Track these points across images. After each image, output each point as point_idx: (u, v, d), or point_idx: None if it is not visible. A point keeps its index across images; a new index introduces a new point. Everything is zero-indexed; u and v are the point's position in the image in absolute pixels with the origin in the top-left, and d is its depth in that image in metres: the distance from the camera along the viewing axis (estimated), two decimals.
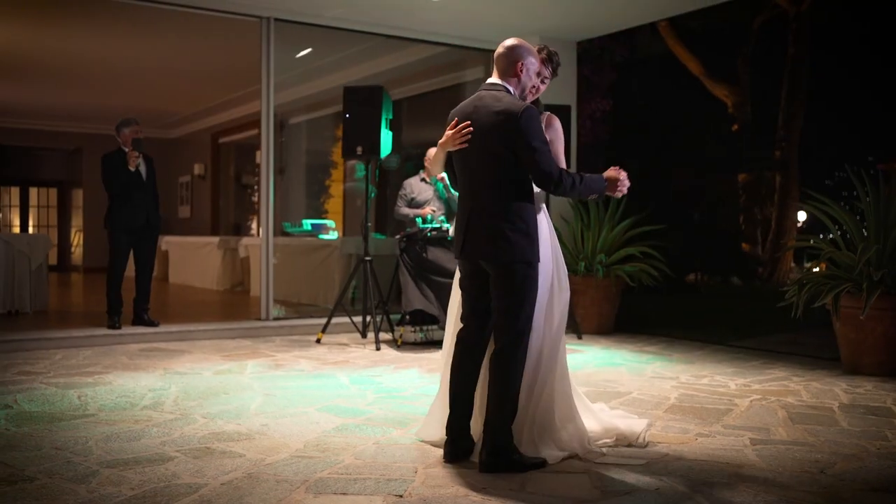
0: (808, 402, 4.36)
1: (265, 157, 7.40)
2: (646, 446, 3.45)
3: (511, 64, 3.26)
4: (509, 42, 3.29)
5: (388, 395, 4.55)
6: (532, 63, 3.30)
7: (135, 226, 6.73)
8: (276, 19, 7.23)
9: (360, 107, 6.45)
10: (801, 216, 16.11)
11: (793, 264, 13.24)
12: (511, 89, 3.25)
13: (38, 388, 4.62)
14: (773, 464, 3.20)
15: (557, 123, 3.49)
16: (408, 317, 6.43)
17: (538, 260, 3.17)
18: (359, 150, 6.45)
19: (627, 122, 9.26)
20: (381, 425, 3.83)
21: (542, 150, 3.09)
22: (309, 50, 9.23)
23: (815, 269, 5.68)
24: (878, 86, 9.70)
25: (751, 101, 11.36)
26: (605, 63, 8.58)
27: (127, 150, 6.77)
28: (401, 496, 2.81)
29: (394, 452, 3.35)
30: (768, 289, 11.37)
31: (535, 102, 3.53)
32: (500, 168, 3.15)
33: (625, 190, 3.28)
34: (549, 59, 3.49)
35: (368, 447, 3.43)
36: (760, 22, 11.32)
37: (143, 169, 6.84)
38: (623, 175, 3.26)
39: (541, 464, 3.14)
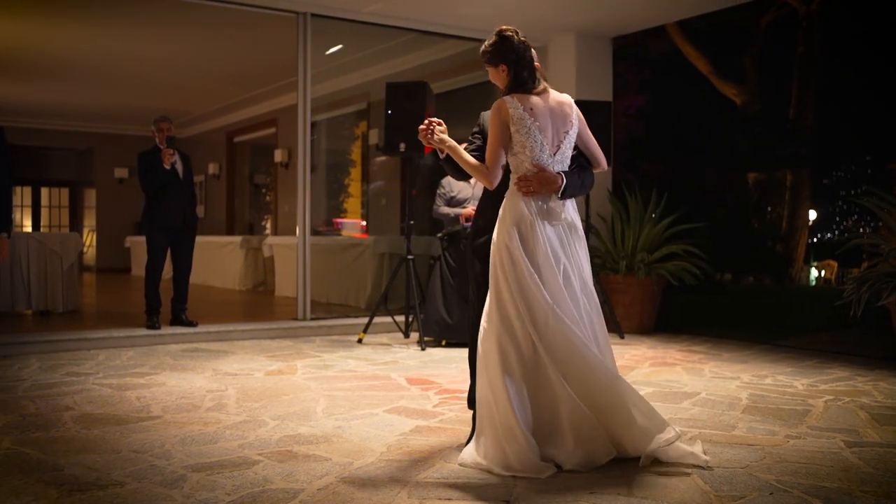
0: (884, 403, 4.26)
1: (302, 155, 7.29)
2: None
3: None
4: None
5: (451, 396, 4.44)
6: None
7: (172, 225, 6.61)
8: (314, 15, 7.13)
9: (404, 103, 6.34)
10: (812, 214, 16.00)
11: (803, 264, 13.16)
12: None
13: (92, 389, 4.51)
14: (879, 467, 3.09)
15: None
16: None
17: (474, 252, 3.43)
18: (402, 146, 6.33)
19: (660, 118, 9.18)
20: (456, 427, 3.72)
21: None
22: (339, 47, 9.12)
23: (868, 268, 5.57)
24: (889, 85, 9.65)
25: (762, 100, 11.31)
26: (640, 59, 8.48)
27: (162, 147, 6.63)
28: (508, 502, 2.71)
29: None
30: (794, 287, 11.31)
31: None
32: None
33: (424, 137, 3.26)
34: None
35: (455, 451, 3.32)
36: (768, 21, 11.26)
37: (179, 167, 6.71)
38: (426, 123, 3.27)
39: None
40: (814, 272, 14.72)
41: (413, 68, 9.61)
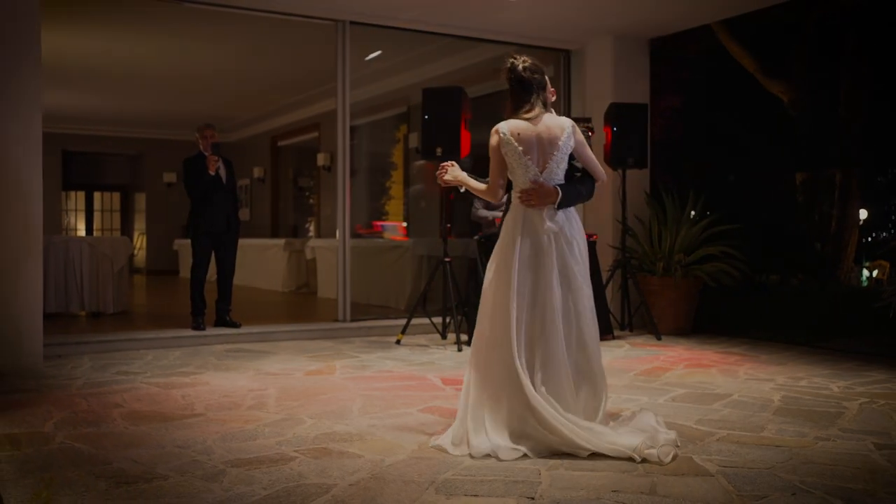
0: None
1: (341, 159, 7.46)
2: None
3: None
4: None
5: None
6: None
7: (216, 229, 6.81)
8: (352, 22, 7.28)
9: (440, 108, 6.46)
10: (863, 214, 15.57)
11: (853, 265, 12.84)
12: None
13: (140, 387, 4.71)
14: None
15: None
16: None
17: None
18: (438, 151, 6.45)
19: (699, 119, 9.11)
20: None
21: None
22: (378, 52, 9.27)
23: None
24: None
25: (809, 97, 11.09)
26: (678, 59, 8.45)
27: (207, 154, 6.85)
28: (532, 499, 2.79)
29: (510, 454, 3.31)
30: (841, 288, 11.08)
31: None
32: None
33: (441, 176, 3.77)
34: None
35: None
36: (818, 16, 11.04)
37: (222, 172, 6.92)
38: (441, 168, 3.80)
39: None
40: (865, 272, 14.44)
41: (451, 72, 9.71)
